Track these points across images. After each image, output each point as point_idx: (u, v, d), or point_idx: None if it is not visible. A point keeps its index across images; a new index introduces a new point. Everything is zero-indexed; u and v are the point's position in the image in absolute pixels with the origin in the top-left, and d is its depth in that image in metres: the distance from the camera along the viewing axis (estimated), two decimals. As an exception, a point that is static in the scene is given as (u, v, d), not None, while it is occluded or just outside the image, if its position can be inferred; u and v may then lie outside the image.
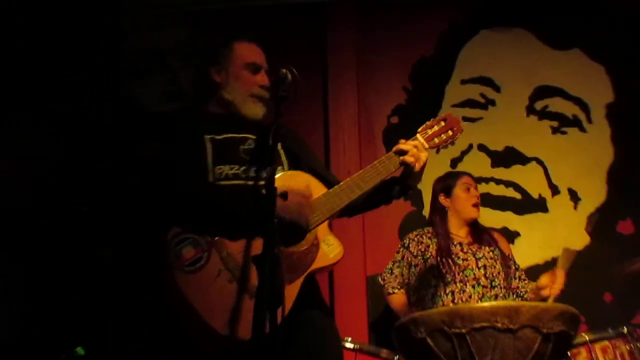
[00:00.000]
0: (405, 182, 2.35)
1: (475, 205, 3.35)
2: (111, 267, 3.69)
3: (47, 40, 4.28)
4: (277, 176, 2.14)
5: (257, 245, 2.09)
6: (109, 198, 3.94)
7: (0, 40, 4.06)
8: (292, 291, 2.07)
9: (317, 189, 2.23)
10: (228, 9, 4.28)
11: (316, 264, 2.14)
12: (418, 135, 2.35)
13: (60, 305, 3.70)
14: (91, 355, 3.50)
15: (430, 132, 2.38)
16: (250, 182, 2.22)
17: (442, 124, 2.41)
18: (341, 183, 2.24)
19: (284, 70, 2.16)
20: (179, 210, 2.17)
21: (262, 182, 2.00)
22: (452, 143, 2.43)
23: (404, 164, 2.27)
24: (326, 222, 2.20)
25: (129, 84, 4.41)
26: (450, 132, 2.40)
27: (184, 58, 4.40)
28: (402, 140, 2.32)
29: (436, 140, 2.38)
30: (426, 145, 2.33)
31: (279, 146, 2.32)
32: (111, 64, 4.41)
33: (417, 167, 2.27)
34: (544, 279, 3.17)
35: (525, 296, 3.28)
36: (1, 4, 4.03)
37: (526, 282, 3.34)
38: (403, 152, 2.28)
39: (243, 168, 2.27)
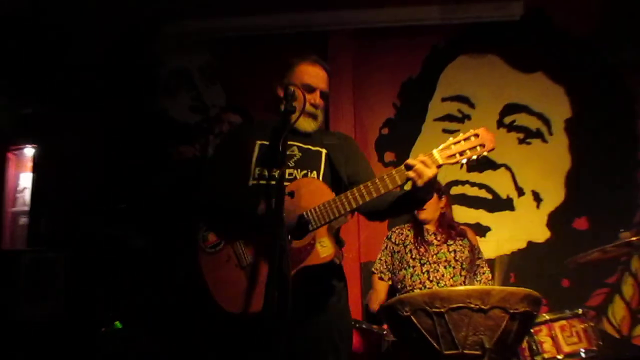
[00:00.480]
0: (413, 194, 2.13)
1: (421, 209, 3.32)
2: (144, 252, 3.69)
3: (104, 66, 4.35)
4: (298, 179, 2.22)
5: (261, 241, 2.11)
6: (146, 196, 3.96)
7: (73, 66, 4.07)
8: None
9: (324, 195, 2.14)
10: (242, 36, 4.28)
11: (308, 261, 2.09)
12: (434, 151, 2.08)
13: (101, 286, 3.70)
14: (127, 329, 3.51)
15: (454, 148, 2.07)
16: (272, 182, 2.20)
17: (473, 139, 2.08)
18: (347, 192, 2.11)
19: (292, 88, 2.16)
20: (208, 208, 2.31)
21: (277, 179, 2.00)
22: (479, 159, 2.08)
23: (408, 178, 2.07)
24: (325, 225, 2.11)
25: (163, 99, 4.44)
26: (478, 149, 2.06)
27: (206, 78, 4.42)
28: (420, 155, 2.08)
29: (458, 156, 2.06)
30: (439, 162, 2.06)
31: (323, 153, 2.33)
32: (150, 83, 4.45)
33: (419, 182, 2.04)
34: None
35: (480, 278, 3.31)
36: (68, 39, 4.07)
37: (485, 267, 3.37)
38: (410, 167, 2.06)
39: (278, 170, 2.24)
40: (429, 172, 2.04)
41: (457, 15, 4.12)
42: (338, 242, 2.24)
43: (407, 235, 3.36)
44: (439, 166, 2.06)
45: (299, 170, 2.27)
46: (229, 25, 4.27)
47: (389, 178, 2.09)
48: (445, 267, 3.22)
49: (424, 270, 3.21)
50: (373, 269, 3.47)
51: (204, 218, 2.27)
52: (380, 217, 2.38)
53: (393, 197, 2.23)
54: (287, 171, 2.25)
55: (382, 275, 3.40)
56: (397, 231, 3.42)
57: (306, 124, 2.30)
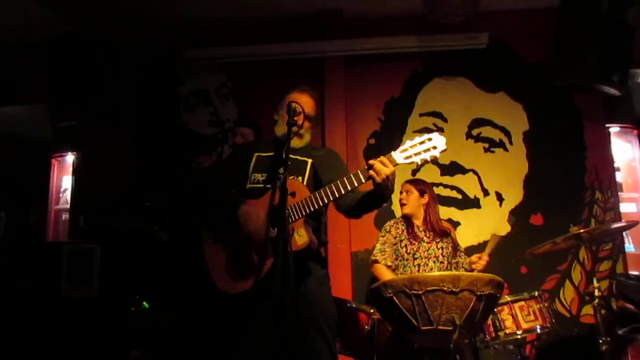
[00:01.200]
0: (374, 191, 2.12)
1: (403, 205, 3.29)
2: (167, 244, 3.67)
3: (135, 85, 4.37)
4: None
5: (258, 232, 2.14)
6: (168, 197, 3.95)
7: (108, 84, 4.09)
8: (267, 264, 2.11)
9: (303, 194, 2.18)
10: (252, 62, 4.25)
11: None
12: (392, 153, 2.08)
13: (131, 272, 3.68)
14: (153, 309, 3.49)
15: (410, 150, 2.08)
16: (268, 185, 2.25)
17: (426, 142, 2.08)
18: (320, 190, 2.14)
19: (294, 105, 2.17)
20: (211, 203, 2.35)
21: (281, 181, 2.01)
22: (431, 160, 2.08)
23: (369, 177, 2.08)
24: (302, 218, 2.16)
25: (185, 114, 4.41)
26: (432, 150, 2.07)
27: (221, 96, 4.41)
28: (381, 156, 2.08)
29: (413, 156, 2.06)
30: (397, 162, 2.06)
31: (309, 163, 2.37)
32: (173, 100, 4.42)
33: (378, 179, 2.04)
34: (474, 257, 3.17)
35: (464, 266, 3.26)
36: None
37: (464, 257, 3.32)
38: (370, 166, 2.07)
39: (265, 176, 2.30)
40: (386, 170, 2.04)
41: (433, 44, 4.12)
42: (321, 239, 2.26)
43: (403, 230, 3.25)
44: (396, 165, 2.06)
45: (287, 175, 2.29)
46: (240, 52, 4.25)
47: (354, 177, 2.11)
48: (434, 262, 3.15)
49: (415, 264, 3.14)
50: (373, 258, 3.25)
51: (207, 211, 2.31)
52: (354, 214, 2.37)
53: (360, 194, 2.24)
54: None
55: (388, 262, 3.18)
56: (394, 225, 3.29)
57: (296, 142, 2.36)
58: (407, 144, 2.09)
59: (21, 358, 3.44)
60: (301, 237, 2.15)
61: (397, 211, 3.62)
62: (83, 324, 3.49)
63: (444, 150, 2.06)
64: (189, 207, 3.54)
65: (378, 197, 2.17)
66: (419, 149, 2.07)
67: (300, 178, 2.33)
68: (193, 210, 3.25)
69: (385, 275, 3.14)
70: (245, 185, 2.32)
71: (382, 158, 2.07)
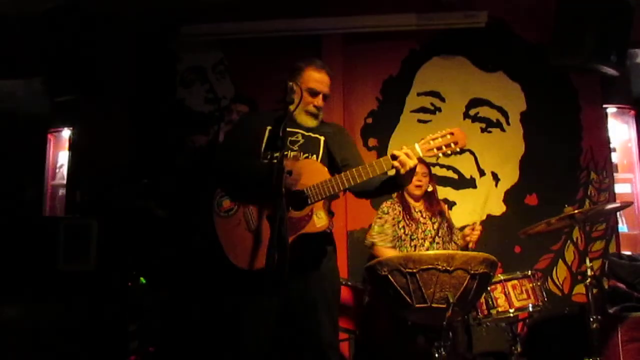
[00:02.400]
0: (396, 180, 2.16)
1: (418, 187, 3.25)
2: (164, 220, 3.68)
3: (132, 60, 4.30)
4: (300, 160, 2.24)
5: (268, 207, 2.13)
6: (166, 173, 3.94)
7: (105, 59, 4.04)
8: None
9: (322, 175, 2.17)
10: (249, 38, 4.20)
11: (307, 229, 2.14)
12: (415, 145, 2.10)
13: (128, 247, 3.69)
14: (150, 284, 3.52)
15: (432, 143, 2.10)
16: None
17: (448, 137, 2.11)
18: (342, 174, 2.15)
19: (290, 83, 2.16)
20: (227, 177, 2.30)
21: (278, 160, 2.00)
22: (454, 153, 2.12)
23: (393, 167, 2.11)
24: (322, 201, 2.15)
25: (181, 91, 4.36)
26: (452, 145, 2.11)
27: (218, 73, 4.37)
28: (403, 147, 2.09)
29: (435, 150, 2.10)
30: (420, 154, 2.09)
31: (322, 140, 2.35)
32: (170, 77, 4.37)
33: (402, 171, 2.08)
34: (467, 230, 3.21)
35: (458, 243, 3.28)
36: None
37: (459, 234, 3.35)
38: (395, 157, 2.09)
39: (285, 153, 2.25)
40: (410, 163, 2.07)
41: (432, 22, 4.08)
42: (330, 213, 2.26)
43: (400, 212, 3.23)
44: (419, 158, 2.09)
45: (302, 153, 2.30)
46: (237, 28, 4.20)
47: (377, 165, 2.12)
48: (430, 243, 3.15)
49: (412, 245, 3.14)
50: (371, 240, 3.22)
51: (220, 185, 2.29)
52: (366, 196, 2.43)
53: (379, 181, 2.24)
54: (292, 154, 2.28)
55: (387, 243, 3.18)
56: (391, 206, 3.26)
57: (308, 121, 2.35)
58: (429, 137, 2.11)
59: (18, 333, 3.47)
60: (320, 219, 2.15)
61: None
62: (81, 298, 3.51)
63: (464, 147, 2.11)
64: (190, 185, 3.52)
65: (397, 186, 2.22)
66: (440, 142, 2.10)
67: (314, 156, 2.31)
68: (196, 187, 3.20)
69: (388, 254, 3.10)
70: (258, 160, 2.30)
71: (407, 150, 2.08)
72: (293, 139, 2.31)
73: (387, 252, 3.15)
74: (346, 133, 2.56)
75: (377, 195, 2.33)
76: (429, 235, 3.18)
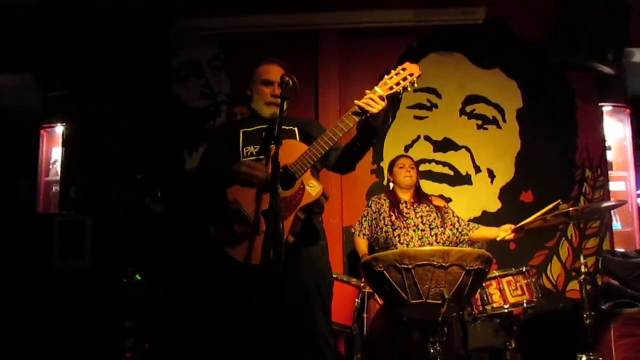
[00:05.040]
0: (368, 125, 2.20)
1: (407, 177, 3.37)
2: (160, 216, 3.70)
3: (126, 54, 4.30)
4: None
5: (263, 202, 2.16)
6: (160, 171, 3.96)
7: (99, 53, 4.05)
8: (286, 225, 2.12)
9: (300, 148, 2.22)
10: (245, 33, 4.21)
11: (303, 202, 2.17)
12: (375, 87, 2.20)
13: (124, 244, 3.70)
14: (146, 281, 3.53)
15: (389, 81, 2.21)
16: (262, 157, 2.28)
17: (401, 72, 2.23)
18: (317, 139, 2.20)
19: (286, 78, 2.19)
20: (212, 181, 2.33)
21: (271, 156, 2.03)
22: (409, 87, 2.21)
23: (360, 109, 2.17)
24: (309, 170, 2.19)
25: (177, 86, 4.37)
26: (409, 77, 2.21)
27: (213, 68, 4.38)
28: (367, 93, 2.19)
29: (395, 86, 2.20)
30: (382, 93, 2.17)
31: (296, 129, 2.40)
32: (165, 72, 4.38)
33: (371, 110, 2.15)
34: (506, 226, 3.18)
35: (462, 231, 3.30)
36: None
37: (465, 224, 3.35)
38: (359, 106, 2.18)
39: (258, 148, 2.32)
40: (378, 106, 2.15)
41: (429, 18, 4.10)
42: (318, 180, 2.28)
43: (383, 205, 3.35)
44: (382, 97, 2.17)
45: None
46: (233, 23, 4.20)
47: (347, 118, 2.19)
48: (414, 231, 3.21)
49: (395, 234, 3.21)
50: (353, 230, 3.47)
51: (211, 187, 2.31)
52: (349, 164, 2.39)
53: (351, 140, 2.28)
54: (271, 147, 2.28)
55: (362, 234, 3.40)
56: (375, 200, 3.41)
57: (269, 111, 2.39)
58: (385, 77, 2.23)
59: (12, 330, 3.48)
60: (313, 187, 2.18)
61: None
62: (76, 296, 3.52)
63: (420, 76, 2.22)
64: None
65: (371, 131, 2.23)
66: (396, 79, 2.22)
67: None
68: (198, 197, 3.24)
69: (359, 243, 3.39)
70: (239, 159, 2.33)
71: (368, 95, 2.17)
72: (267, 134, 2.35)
73: (359, 242, 3.39)
74: (318, 122, 2.63)
75: (358, 154, 2.32)
76: (412, 224, 3.23)
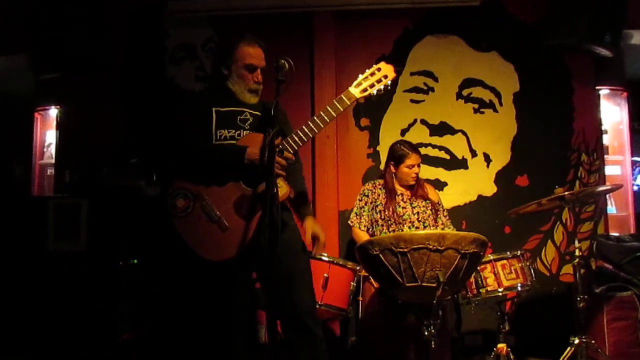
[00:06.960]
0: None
1: (413, 177, 3.32)
2: (154, 199, 3.69)
3: (121, 35, 4.24)
4: (246, 135, 2.25)
5: (228, 192, 2.14)
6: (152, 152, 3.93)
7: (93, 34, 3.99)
8: (254, 222, 2.12)
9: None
10: (239, 15, 4.15)
11: None
12: (350, 89, 2.23)
13: (119, 227, 3.70)
14: (142, 265, 3.54)
15: (364, 83, 2.24)
16: (234, 142, 2.25)
17: (377, 73, 2.27)
18: (287, 138, 2.20)
19: (282, 61, 2.15)
20: (183, 160, 2.27)
21: (269, 138, 2.02)
22: (386, 87, 2.26)
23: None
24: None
25: (171, 68, 4.32)
26: (383, 79, 2.26)
27: (208, 50, 4.33)
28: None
29: (368, 88, 2.24)
30: (357, 97, 2.22)
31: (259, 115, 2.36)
32: (159, 54, 4.32)
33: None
34: None
35: (440, 220, 3.32)
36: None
37: (449, 220, 3.38)
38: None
39: (238, 132, 2.28)
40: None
41: (426, 0, 4.05)
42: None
43: (379, 195, 3.30)
44: (356, 100, 2.20)
45: (253, 131, 2.31)
46: (227, 4, 4.13)
47: (323, 115, 2.20)
48: (409, 227, 3.20)
49: (390, 230, 3.19)
50: (350, 222, 3.38)
51: (180, 173, 2.25)
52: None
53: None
54: (244, 132, 2.28)
55: (363, 227, 3.31)
56: (372, 189, 3.35)
57: (251, 99, 2.35)
58: (360, 77, 2.25)
59: (8, 313, 3.49)
60: (280, 188, 2.16)
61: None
62: (72, 278, 3.53)
63: (394, 77, 2.26)
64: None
65: None
66: (371, 79, 2.23)
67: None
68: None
69: (360, 236, 3.26)
70: (211, 142, 2.28)
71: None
72: (242, 117, 2.32)
73: (361, 235, 3.27)
74: (284, 112, 2.55)
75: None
76: (407, 220, 3.23)
